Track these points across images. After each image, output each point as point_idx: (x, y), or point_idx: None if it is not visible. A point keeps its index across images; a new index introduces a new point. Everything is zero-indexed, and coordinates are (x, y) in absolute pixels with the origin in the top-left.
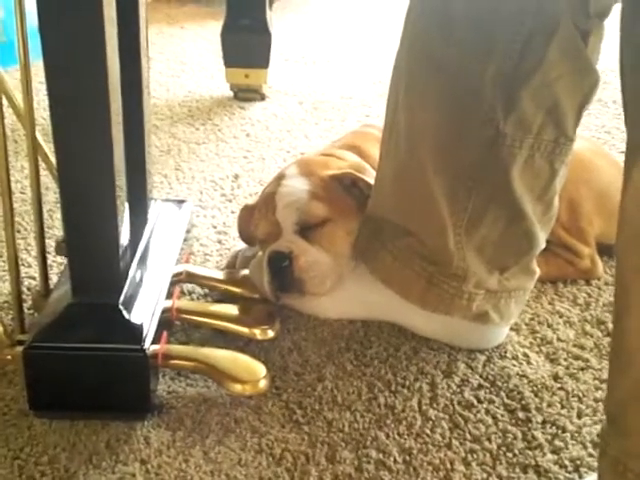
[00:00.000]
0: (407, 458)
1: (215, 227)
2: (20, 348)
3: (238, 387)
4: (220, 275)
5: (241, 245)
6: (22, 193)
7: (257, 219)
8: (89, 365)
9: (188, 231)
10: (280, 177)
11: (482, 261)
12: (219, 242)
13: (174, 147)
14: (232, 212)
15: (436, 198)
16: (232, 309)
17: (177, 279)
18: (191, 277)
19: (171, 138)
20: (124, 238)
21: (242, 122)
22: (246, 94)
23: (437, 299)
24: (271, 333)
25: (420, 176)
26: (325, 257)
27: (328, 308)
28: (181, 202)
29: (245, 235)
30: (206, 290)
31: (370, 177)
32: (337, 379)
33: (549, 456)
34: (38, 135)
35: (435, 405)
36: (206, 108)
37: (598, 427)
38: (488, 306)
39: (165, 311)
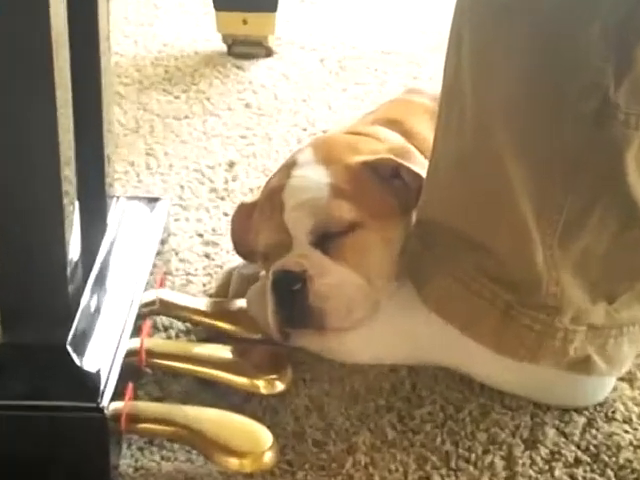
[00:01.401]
0: None
1: (201, 235)
2: None
3: (234, 462)
4: (207, 305)
5: (238, 261)
6: None
7: (258, 224)
8: (24, 431)
9: (164, 241)
10: (290, 165)
11: (583, 285)
12: (207, 256)
13: (144, 123)
14: (225, 214)
15: (517, 195)
16: (224, 351)
17: (148, 310)
18: (167, 307)
19: (140, 110)
20: (73, 252)
21: (239, 88)
22: (245, 48)
23: (517, 339)
24: (280, 385)
25: (494, 165)
26: (353, 278)
27: (358, 350)
28: (154, 200)
29: (242, 246)
30: (188, 325)
31: (419, 165)
32: (373, 451)
33: None
34: None
35: None
36: (189, 68)
37: None
38: (591, 349)
39: (131, 354)
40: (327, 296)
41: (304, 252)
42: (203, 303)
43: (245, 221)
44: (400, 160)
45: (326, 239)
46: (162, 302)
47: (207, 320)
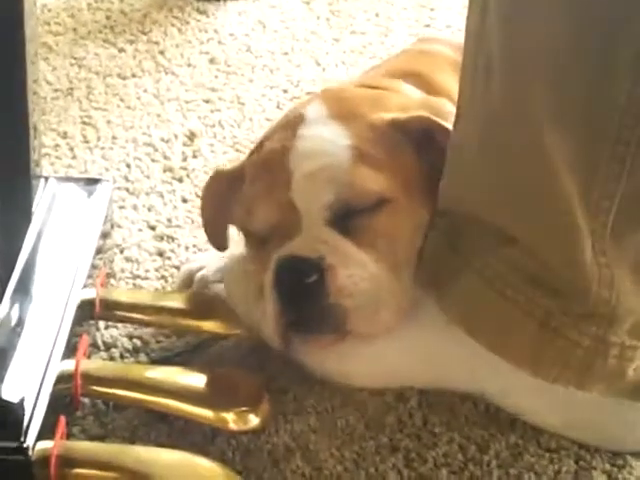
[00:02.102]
0: None
1: (153, 228)
2: None
3: None
4: (170, 299)
5: (199, 261)
6: None
7: (250, 199)
8: None
9: (105, 235)
10: (295, 121)
11: None
12: (160, 255)
13: (80, 83)
14: (184, 200)
15: (558, 176)
16: (183, 376)
17: (86, 313)
18: (111, 308)
19: (75, 67)
20: None
21: (202, 38)
22: None
23: (559, 358)
24: (254, 420)
25: (529, 137)
26: (382, 270)
27: (369, 370)
28: (93, 182)
29: (216, 230)
30: (137, 342)
31: None
32: None
33: None
34: None
35: None
36: (137, 13)
37: None
38: None
39: (63, 380)
40: (351, 292)
41: (320, 234)
42: (165, 297)
43: (222, 194)
44: (437, 119)
45: (346, 218)
46: (104, 303)
47: (172, 319)
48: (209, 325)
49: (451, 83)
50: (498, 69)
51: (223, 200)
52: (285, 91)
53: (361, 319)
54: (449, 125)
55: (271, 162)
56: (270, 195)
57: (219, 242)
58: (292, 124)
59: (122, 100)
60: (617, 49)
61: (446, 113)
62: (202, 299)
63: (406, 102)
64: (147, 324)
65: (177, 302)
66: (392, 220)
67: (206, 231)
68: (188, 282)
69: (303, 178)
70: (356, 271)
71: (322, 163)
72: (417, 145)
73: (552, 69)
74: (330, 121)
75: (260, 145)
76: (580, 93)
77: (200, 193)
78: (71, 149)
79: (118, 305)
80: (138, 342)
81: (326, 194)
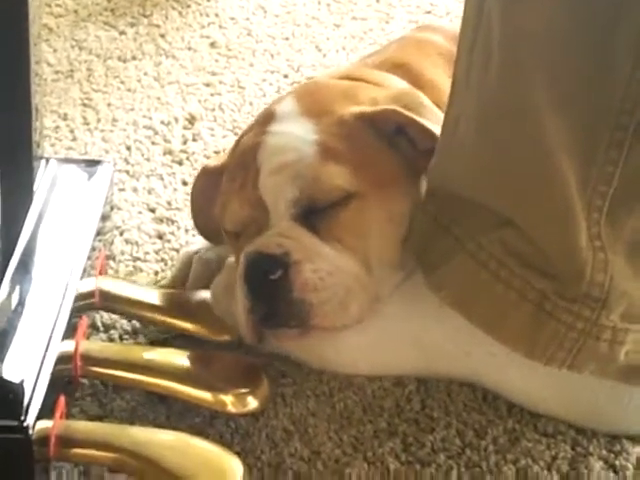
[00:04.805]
0: None
1: (153, 210)
2: None
3: None
4: (160, 297)
5: (199, 242)
6: None
7: (225, 194)
8: None
9: (105, 217)
10: (266, 118)
11: (639, 272)
12: (160, 237)
13: (81, 65)
14: (184, 183)
15: (556, 159)
16: (182, 358)
17: (85, 303)
18: (109, 301)
19: (76, 49)
20: None
21: (203, 21)
22: None
23: (554, 340)
24: (253, 402)
25: (527, 119)
26: (348, 264)
27: (354, 357)
28: (93, 164)
29: (205, 223)
30: (136, 324)
31: (431, 119)
32: None
33: None
34: None
35: None
36: None
37: None
38: None
39: (63, 361)
40: (317, 286)
41: (285, 230)
42: (155, 295)
43: (209, 190)
44: (407, 112)
45: (313, 213)
46: (103, 294)
47: (160, 317)
48: (197, 326)
49: (439, 74)
50: (497, 53)
51: (208, 196)
52: (285, 76)
53: (327, 313)
54: (420, 118)
55: (243, 158)
56: (241, 192)
57: (209, 235)
58: (264, 120)
59: (122, 83)
60: (618, 33)
61: (420, 106)
62: (188, 303)
63: (378, 95)
64: (145, 322)
65: (162, 301)
66: (359, 214)
67: (196, 225)
68: (187, 265)
69: (269, 174)
70: (321, 265)
71: (287, 159)
72: (388, 138)
73: (552, 53)
74: (299, 117)
75: (238, 141)
76: (580, 78)
77: None
78: (71, 131)
79: (116, 298)
80: (137, 324)
81: (291, 190)
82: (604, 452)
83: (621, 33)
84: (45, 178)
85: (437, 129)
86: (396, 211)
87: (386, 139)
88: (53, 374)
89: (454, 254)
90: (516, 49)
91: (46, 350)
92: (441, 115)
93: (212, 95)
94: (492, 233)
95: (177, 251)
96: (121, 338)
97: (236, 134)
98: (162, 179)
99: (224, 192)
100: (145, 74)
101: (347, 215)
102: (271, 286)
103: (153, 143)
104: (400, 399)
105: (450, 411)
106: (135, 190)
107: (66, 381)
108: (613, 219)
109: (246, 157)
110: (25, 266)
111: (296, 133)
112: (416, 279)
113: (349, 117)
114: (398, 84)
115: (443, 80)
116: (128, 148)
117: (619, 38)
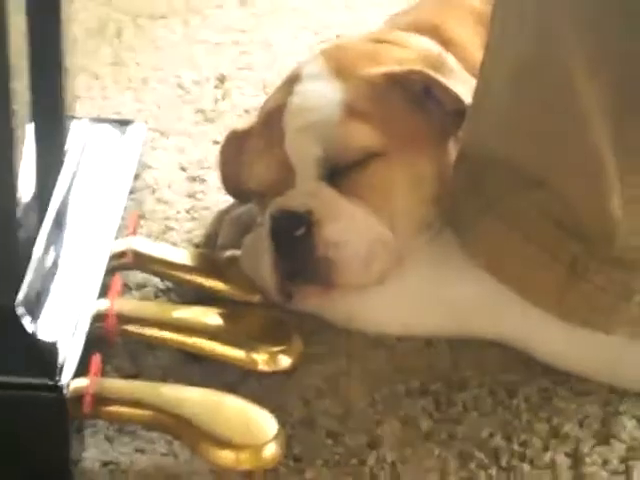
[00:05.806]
0: None
1: (184, 169)
2: None
3: (228, 457)
4: (192, 257)
5: (230, 202)
6: None
7: (252, 155)
8: None
9: (137, 176)
10: (293, 79)
11: None
12: (191, 196)
13: (112, 24)
14: (214, 142)
15: (589, 120)
16: (214, 317)
17: (118, 263)
18: (141, 260)
19: (106, 7)
20: (24, 188)
21: None
22: None
23: (586, 302)
24: (285, 360)
25: (561, 81)
26: (372, 222)
27: (382, 316)
28: (125, 124)
29: (233, 184)
30: (168, 283)
31: (458, 81)
32: (403, 445)
33: None
34: None
35: None
36: None
37: None
38: None
39: (97, 319)
40: (339, 244)
41: (310, 189)
42: (186, 255)
43: (237, 152)
44: (433, 74)
45: (338, 172)
46: (135, 254)
47: (191, 277)
48: (229, 286)
49: (470, 36)
50: (531, 14)
51: (236, 158)
52: (316, 34)
53: (350, 271)
54: (444, 79)
55: (269, 119)
56: (267, 151)
57: (238, 195)
58: (290, 81)
59: (152, 41)
60: None
61: (446, 68)
62: (219, 263)
63: (405, 56)
64: (177, 282)
65: (193, 261)
66: (383, 173)
67: (225, 186)
68: (218, 223)
69: (294, 134)
70: (344, 224)
71: (314, 119)
72: (416, 99)
73: (588, 13)
74: (324, 77)
75: (265, 102)
76: (615, 37)
77: None
78: (103, 90)
79: (148, 258)
80: (169, 283)
81: (316, 149)
82: (636, 411)
83: None
84: (77, 138)
85: (463, 91)
86: (422, 172)
87: (414, 100)
88: (87, 333)
89: (486, 215)
90: (550, 11)
91: (81, 309)
92: (468, 77)
93: (241, 54)
94: (525, 194)
95: (208, 210)
96: (155, 296)
97: (266, 93)
98: (192, 138)
99: (250, 151)
100: (173, 32)
101: (372, 174)
102: (295, 243)
103: (184, 102)
104: (432, 358)
105: (482, 369)
106: (166, 149)
107: (100, 340)
108: None
109: (272, 117)
110: (59, 225)
111: (322, 93)
112: (445, 239)
113: (376, 77)
114: (427, 46)
115: (473, 41)
116: (159, 107)
117: None
